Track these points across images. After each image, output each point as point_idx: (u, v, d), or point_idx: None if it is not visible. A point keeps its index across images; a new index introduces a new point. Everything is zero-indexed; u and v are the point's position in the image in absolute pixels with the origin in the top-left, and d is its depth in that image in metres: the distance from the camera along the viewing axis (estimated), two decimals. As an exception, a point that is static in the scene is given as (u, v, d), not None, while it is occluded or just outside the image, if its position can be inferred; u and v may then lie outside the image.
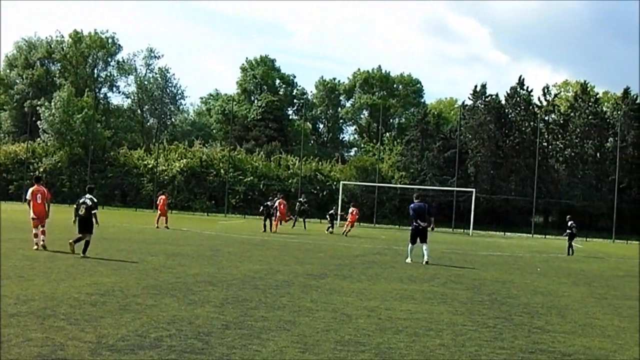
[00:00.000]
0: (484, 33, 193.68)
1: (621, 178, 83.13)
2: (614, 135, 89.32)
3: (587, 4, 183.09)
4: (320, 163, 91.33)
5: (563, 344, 11.73)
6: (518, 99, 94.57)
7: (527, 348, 11.13)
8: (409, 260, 26.80)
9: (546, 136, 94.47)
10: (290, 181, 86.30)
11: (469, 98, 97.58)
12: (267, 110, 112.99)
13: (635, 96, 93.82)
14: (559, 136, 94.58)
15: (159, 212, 44.21)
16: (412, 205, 27.49)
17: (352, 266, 23.77)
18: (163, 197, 45.17)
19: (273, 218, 47.01)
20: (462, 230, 71.66)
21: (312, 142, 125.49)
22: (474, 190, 70.73)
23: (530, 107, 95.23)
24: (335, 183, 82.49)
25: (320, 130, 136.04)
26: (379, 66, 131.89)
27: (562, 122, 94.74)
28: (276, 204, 48.22)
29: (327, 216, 51.74)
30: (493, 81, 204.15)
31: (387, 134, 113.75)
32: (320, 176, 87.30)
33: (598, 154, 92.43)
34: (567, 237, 41.33)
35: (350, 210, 51.65)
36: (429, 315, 13.85)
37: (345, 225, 50.87)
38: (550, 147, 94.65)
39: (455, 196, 79.36)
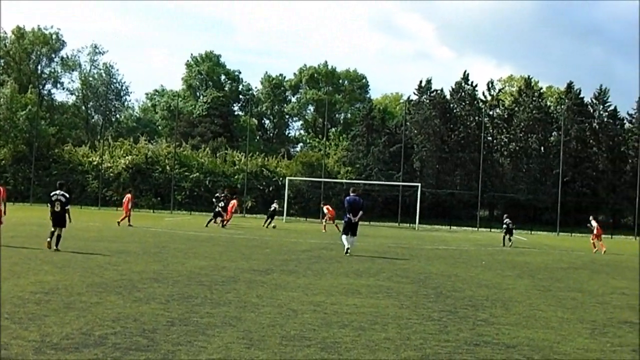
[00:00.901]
0: (429, 29, 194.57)
1: (565, 172, 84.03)
2: (558, 129, 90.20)
3: (531, 1, 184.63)
4: (266, 159, 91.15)
5: (507, 335, 11.86)
6: (463, 94, 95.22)
7: (471, 340, 11.24)
8: (346, 245, 27.77)
9: (491, 130, 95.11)
10: (236, 177, 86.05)
11: (414, 93, 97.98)
12: (212, 106, 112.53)
13: (578, 91, 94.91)
14: (504, 130, 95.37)
15: (124, 210, 44.60)
16: (348, 198, 28.58)
17: (298, 261, 23.80)
18: (129, 195, 45.53)
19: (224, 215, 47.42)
20: (408, 225, 71.89)
21: (258, 138, 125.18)
22: (419, 184, 71.16)
23: (475, 102, 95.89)
24: (281, 179, 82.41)
25: (266, 126, 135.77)
26: (325, 62, 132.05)
27: (506, 116, 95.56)
28: (230, 204, 48.88)
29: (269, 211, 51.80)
30: (438, 76, 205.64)
31: (333, 129, 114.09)
32: (266, 172, 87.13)
33: (542, 148, 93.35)
34: (504, 232, 44.57)
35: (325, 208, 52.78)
36: (374, 309, 13.92)
37: (325, 221, 52.12)
38: (495, 141, 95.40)
39: (401, 191, 79.65)
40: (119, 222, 42.22)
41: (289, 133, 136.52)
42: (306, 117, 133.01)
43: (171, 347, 9.58)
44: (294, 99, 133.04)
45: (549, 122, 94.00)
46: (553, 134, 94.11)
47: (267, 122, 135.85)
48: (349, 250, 27.66)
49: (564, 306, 16.07)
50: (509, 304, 15.84)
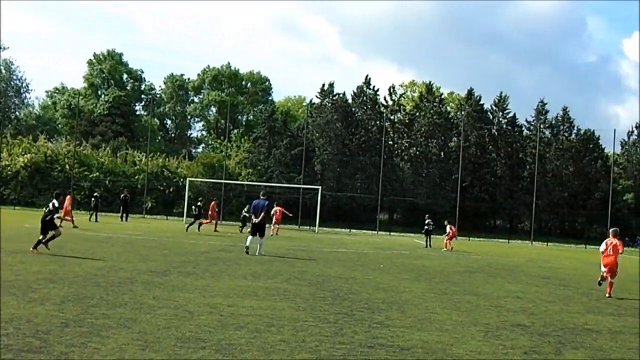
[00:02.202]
0: (333, 32, 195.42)
1: (464, 177, 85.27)
2: (458, 135, 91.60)
3: (432, 5, 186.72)
4: (167, 159, 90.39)
5: (402, 338, 12.00)
6: (365, 98, 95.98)
7: (366, 343, 11.34)
8: (247, 243, 28.84)
9: (392, 135, 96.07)
10: (136, 177, 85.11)
11: (316, 96, 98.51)
12: (114, 105, 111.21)
13: (478, 97, 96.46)
14: (405, 135, 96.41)
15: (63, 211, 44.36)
16: (254, 201, 29.88)
17: (196, 263, 23.67)
18: (69, 196, 45.97)
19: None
20: (308, 227, 71.99)
21: (159, 138, 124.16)
22: (320, 187, 71.28)
23: (377, 107, 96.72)
24: (182, 180, 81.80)
25: (167, 126, 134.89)
26: (228, 63, 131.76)
27: (407, 121, 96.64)
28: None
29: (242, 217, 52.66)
30: (341, 80, 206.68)
31: (235, 131, 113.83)
32: (167, 172, 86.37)
33: (442, 153, 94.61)
34: (424, 233, 48.19)
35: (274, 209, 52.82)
36: (271, 312, 13.95)
37: (274, 226, 52.26)
38: (395, 145, 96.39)
39: (301, 193, 79.79)
40: (75, 226, 42.58)
41: (190, 134, 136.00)
42: (208, 118, 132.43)
43: (64, 348, 9.48)
44: (196, 100, 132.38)
45: (449, 127, 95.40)
46: (453, 139, 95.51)
47: (169, 122, 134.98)
48: (248, 251, 28.45)
49: (458, 309, 16.31)
50: (404, 307, 16.01)
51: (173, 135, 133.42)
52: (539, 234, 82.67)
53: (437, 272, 26.41)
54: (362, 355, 10.43)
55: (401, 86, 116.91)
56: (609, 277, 22.95)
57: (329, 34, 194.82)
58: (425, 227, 48.39)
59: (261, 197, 29.70)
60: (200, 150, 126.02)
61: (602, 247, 23.83)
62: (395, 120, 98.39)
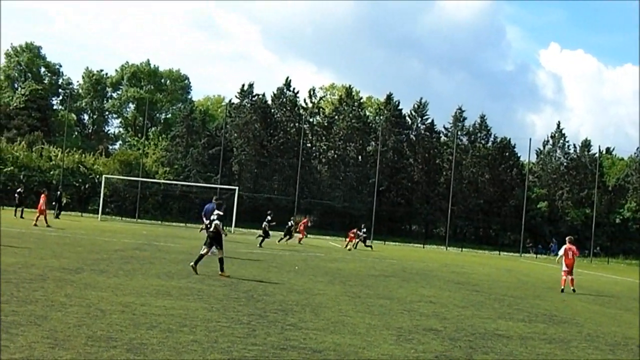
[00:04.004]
0: (254, 31, 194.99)
1: (381, 181, 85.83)
2: (376, 139, 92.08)
3: (352, 9, 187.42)
4: (83, 155, 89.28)
5: (314, 340, 12.02)
6: (284, 99, 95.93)
7: (279, 344, 11.33)
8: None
9: (310, 137, 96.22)
10: (52, 173, 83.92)
11: (236, 96, 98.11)
12: (30, 99, 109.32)
13: (397, 102, 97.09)
14: (323, 138, 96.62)
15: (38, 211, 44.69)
16: (206, 204, 31.12)
17: (110, 261, 23.45)
18: (43, 195, 46.25)
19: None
20: (224, 228, 71.60)
21: (76, 133, 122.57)
22: (237, 188, 71.08)
23: (296, 109, 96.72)
24: (98, 176, 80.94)
25: (85, 121, 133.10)
26: (148, 60, 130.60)
27: (326, 124, 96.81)
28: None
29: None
30: (262, 80, 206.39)
31: (153, 128, 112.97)
32: (83, 169, 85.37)
33: (360, 157, 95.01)
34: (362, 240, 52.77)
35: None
36: (184, 312, 13.88)
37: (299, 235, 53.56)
38: (314, 148, 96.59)
39: (218, 193, 79.16)
40: (48, 225, 42.58)
41: (108, 130, 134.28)
42: (126, 115, 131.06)
43: (-30, 345, 9.30)
44: (114, 96, 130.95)
45: (368, 131, 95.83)
46: (371, 143, 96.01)
47: (86, 118, 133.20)
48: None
49: (372, 313, 16.38)
50: (318, 310, 16.04)
51: (90, 131, 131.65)
52: (453, 240, 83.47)
53: (351, 276, 26.51)
54: (274, 356, 10.42)
55: (321, 89, 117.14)
56: (569, 275, 28.32)
57: (249, 33, 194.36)
58: (361, 233, 54.52)
59: (213, 201, 29.37)
60: (117, 147, 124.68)
61: (561, 252, 29.31)
62: (314, 122, 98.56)
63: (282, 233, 51.24)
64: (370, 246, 54.22)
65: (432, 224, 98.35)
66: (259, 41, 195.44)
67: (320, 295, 18.94)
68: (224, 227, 23.81)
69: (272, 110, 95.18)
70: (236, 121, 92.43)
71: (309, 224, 52.30)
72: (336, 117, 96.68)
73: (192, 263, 22.34)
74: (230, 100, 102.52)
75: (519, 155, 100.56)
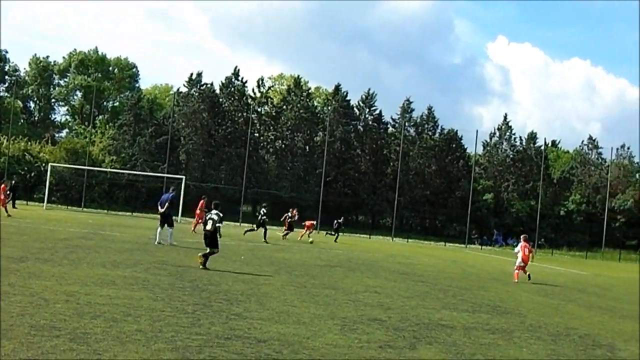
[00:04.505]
0: (203, 21, 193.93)
1: (328, 171, 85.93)
2: (323, 129, 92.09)
3: (302, 1, 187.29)
4: (29, 143, 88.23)
5: (259, 330, 12.07)
6: (233, 89, 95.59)
7: (223, 334, 11.37)
8: (156, 242, 30.20)
9: (258, 127, 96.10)
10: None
11: (184, 85, 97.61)
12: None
13: (345, 93, 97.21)
14: (271, 128, 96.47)
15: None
16: (163, 194, 33.18)
17: (54, 250, 23.28)
18: (3, 185, 46.08)
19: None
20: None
21: (22, 121, 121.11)
22: (184, 177, 70.82)
23: (244, 98, 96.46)
24: (44, 165, 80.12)
25: (31, 109, 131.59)
26: (96, 48, 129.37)
27: (274, 114, 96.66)
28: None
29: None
30: (211, 70, 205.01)
31: (100, 117, 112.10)
32: (28, 157, 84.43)
33: (307, 147, 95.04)
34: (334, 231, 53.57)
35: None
36: (128, 301, 13.85)
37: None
38: (261, 138, 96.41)
39: (165, 182, 79.00)
40: (8, 215, 42.42)
41: (54, 118, 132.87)
42: (73, 103, 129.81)
43: None
44: (62, 84, 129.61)
45: (316, 122, 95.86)
46: (319, 134, 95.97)
47: (32, 105, 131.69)
48: (161, 242, 30.40)
49: (317, 302, 16.47)
50: (263, 299, 16.09)
51: (36, 119, 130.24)
52: (400, 231, 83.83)
53: (297, 265, 26.57)
54: (218, 346, 10.44)
55: (270, 78, 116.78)
56: (524, 269, 30.70)
57: (199, 23, 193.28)
58: (336, 225, 56.80)
59: (170, 191, 33.12)
60: (63, 135, 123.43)
61: (518, 248, 31.74)
62: (262, 112, 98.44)
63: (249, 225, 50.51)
64: (336, 238, 54.44)
65: (378, 214, 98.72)
66: (209, 31, 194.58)
67: (265, 285, 18.98)
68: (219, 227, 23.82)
69: (220, 100, 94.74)
70: (184, 110, 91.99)
71: (296, 217, 51.03)
72: (284, 107, 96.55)
73: (200, 267, 22.17)
74: (178, 89, 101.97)
75: (465, 147, 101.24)
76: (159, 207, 31.72)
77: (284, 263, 27.25)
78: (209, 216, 23.70)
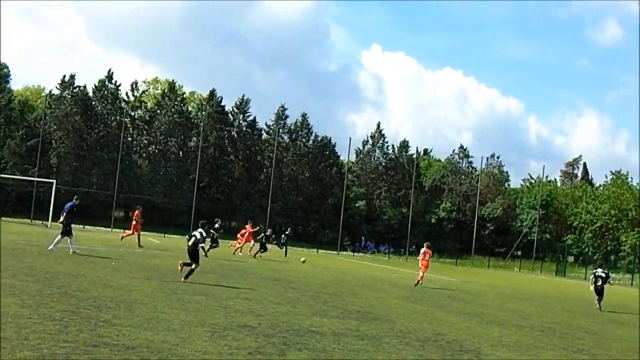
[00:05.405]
0: (78, 22, 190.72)
1: (202, 177, 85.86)
2: (197, 134, 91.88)
3: (178, 5, 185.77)
4: None
5: (127, 337, 11.99)
6: (106, 92, 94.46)
7: (91, 341, 11.25)
8: (51, 247, 30.27)
9: (131, 131, 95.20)
10: None
11: (56, 87, 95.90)
12: None
13: (220, 98, 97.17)
14: (144, 132, 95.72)
15: None
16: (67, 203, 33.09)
17: None
18: None
19: None
20: (41, 222, 70.13)
21: None
22: (54, 181, 69.64)
23: (118, 102, 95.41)
24: None
25: None
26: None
27: (148, 118, 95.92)
28: None
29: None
30: (85, 72, 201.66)
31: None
32: None
33: (181, 153, 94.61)
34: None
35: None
36: (-6, 308, 13.58)
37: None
38: (135, 142, 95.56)
39: (35, 186, 77.67)
40: None
41: None
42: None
43: None
44: None
45: (190, 127, 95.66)
46: (192, 139, 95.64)
47: None
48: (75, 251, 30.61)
49: (187, 309, 16.42)
50: (133, 306, 15.97)
51: None
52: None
53: (169, 272, 26.37)
54: (85, 353, 10.34)
55: (144, 82, 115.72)
56: (423, 273, 34.85)
57: (73, 24, 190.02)
58: (284, 235, 54.10)
59: (74, 200, 32.91)
60: None
61: (420, 255, 35.69)
62: (136, 116, 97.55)
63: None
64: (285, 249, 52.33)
65: (252, 221, 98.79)
66: (83, 32, 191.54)
67: (135, 292, 18.84)
68: (203, 248, 25.33)
69: (94, 103, 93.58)
70: (56, 113, 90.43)
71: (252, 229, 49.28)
72: (158, 111, 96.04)
73: (182, 279, 22.91)
74: (50, 91, 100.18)
75: (339, 154, 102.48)
76: (62, 215, 32.12)
77: (155, 269, 27.07)
78: (192, 233, 24.37)
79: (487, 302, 29.28)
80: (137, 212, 44.14)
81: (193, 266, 23.41)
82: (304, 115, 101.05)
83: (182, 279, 22.73)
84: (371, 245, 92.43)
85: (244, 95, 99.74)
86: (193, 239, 23.76)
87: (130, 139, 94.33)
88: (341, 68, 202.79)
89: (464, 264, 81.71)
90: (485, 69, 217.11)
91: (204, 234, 24.31)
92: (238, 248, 47.53)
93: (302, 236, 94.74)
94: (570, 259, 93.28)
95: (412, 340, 15.64)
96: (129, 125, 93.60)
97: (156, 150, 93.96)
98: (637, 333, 23.15)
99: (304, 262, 45.17)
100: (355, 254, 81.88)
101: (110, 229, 72.49)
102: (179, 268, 23.26)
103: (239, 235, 49.45)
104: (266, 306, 18.72)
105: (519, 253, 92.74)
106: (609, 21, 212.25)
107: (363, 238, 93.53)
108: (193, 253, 23.66)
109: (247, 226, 49.40)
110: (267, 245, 48.72)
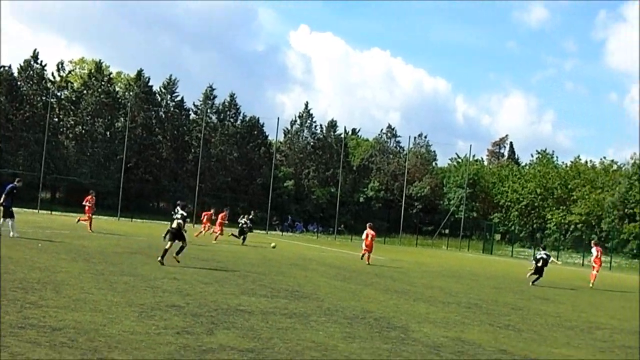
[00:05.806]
0: (3, 1, 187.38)
1: (129, 158, 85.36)
2: (125, 115, 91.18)
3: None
4: None
5: (54, 318, 11.95)
6: (32, 72, 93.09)
7: (17, 323, 11.19)
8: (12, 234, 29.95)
9: (58, 112, 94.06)
10: None
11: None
12: None
13: (147, 79, 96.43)
14: (71, 113, 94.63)
15: None
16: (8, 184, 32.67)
17: None
18: None
19: None
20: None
21: None
22: (-20, 163, 68.77)
23: (43, 82, 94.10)
24: None
25: None
26: None
27: (74, 99, 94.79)
28: None
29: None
30: (10, 52, 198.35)
31: None
32: None
33: (108, 133, 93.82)
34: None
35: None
36: None
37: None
38: (61, 123, 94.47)
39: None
40: None
41: None
42: None
43: None
44: None
45: (117, 107, 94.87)
46: (120, 119, 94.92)
47: None
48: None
49: (114, 290, 16.40)
50: (60, 287, 15.90)
51: None
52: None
53: (96, 253, 26.29)
54: (11, 335, 10.28)
55: (70, 62, 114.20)
56: (368, 253, 37.48)
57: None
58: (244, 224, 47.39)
59: (15, 183, 32.69)
60: None
61: (364, 235, 38.55)
62: (62, 97, 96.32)
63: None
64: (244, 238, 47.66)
65: (180, 201, 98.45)
66: (9, 11, 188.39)
67: (62, 273, 18.73)
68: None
69: (19, 83, 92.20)
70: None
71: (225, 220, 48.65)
72: (85, 92, 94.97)
73: (159, 259, 23.75)
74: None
75: (267, 134, 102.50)
76: (2, 197, 31.60)
77: (82, 250, 26.90)
78: (175, 216, 25.23)
79: (414, 280, 29.57)
80: (90, 197, 43.70)
81: (183, 246, 24.93)
82: (232, 96, 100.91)
83: (174, 256, 24.31)
84: (300, 225, 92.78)
85: (171, 76, 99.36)
86: (175, 222, 24.82)
87: (56, 119, 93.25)
88: (269, 48, 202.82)
89: (392, 242, 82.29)
90: (413, 50, 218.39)
91: (185, 215, 25.32)
92: (217, 235, 47.24)
93: (230, 216, 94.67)
94: (497, 237, 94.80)
95: (340, 317, 15.77)
96: (55, 106, 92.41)
97: (83, 131, 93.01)
98: (561, 308, 23.62)
99: (274, 247, 44.82)
100: (284, 233, 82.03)
101: (37, 211, 71.76)
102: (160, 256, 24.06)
103: (217, 224, 49.07)
104: (194, 286, 18.74)
105: (447, 231, 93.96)
106: (536, 2, 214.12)
107: (290, 217, 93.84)
108: (177, 234, 24.74)
109: (221, 214, 49.79)
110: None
